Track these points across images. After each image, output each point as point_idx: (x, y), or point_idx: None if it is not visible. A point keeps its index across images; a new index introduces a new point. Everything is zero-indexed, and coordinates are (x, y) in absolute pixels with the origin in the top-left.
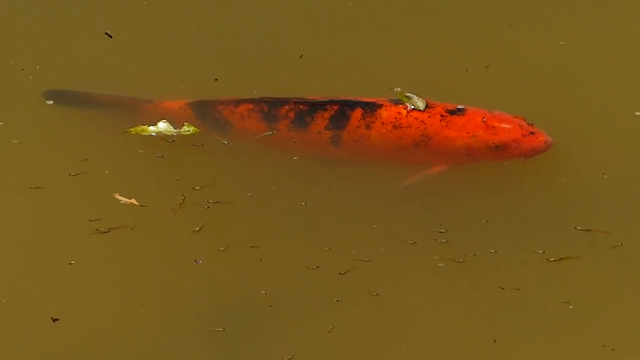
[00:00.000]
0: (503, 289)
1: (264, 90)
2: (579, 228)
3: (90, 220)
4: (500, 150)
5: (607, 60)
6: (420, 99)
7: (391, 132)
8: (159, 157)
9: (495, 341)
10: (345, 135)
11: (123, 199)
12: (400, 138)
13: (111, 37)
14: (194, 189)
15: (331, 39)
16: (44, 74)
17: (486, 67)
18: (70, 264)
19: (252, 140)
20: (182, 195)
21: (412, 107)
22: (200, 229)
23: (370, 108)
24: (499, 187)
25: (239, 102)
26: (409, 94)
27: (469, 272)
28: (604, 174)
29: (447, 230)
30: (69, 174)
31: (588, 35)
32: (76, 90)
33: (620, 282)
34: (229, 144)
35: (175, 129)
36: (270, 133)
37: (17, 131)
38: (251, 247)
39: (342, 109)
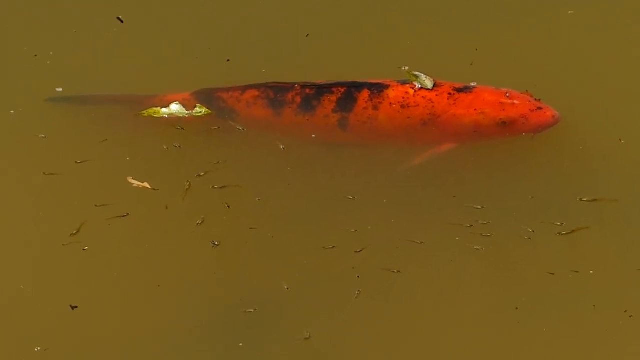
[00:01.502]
0: (537, 271)
1: (271, 71)
2: (585, 199)
3: (103, 206)
4: (508, 126)
5: (615, 34)
6: (428, 77)
7: (399, 112)
8: (176, 147)
9: (517, 309)
10: (353, 117)
11: (136, 183)
12: (409, 118)
13: (122, 22)
14: (199, 175)
15: (338, 19)
16: (57, 60)
17: (471, 64)
18: (84, 249)
19: (260, 128)
20: (188, 181)
21: (420, 86)
22: (202, 222)
23: (377, 89)
24: (507, 163)
25: (244, 89)
26: (416, 73)
27: (490, 246)
28: (620, 140)
29: (483, 206)
30: (76, 162)
31: (597, 5)
32: (79, 95)
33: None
34: (243, 129)
35: (187, 110)
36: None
37: (29, 120)
38: (251, 228)
39: (349, 91)
